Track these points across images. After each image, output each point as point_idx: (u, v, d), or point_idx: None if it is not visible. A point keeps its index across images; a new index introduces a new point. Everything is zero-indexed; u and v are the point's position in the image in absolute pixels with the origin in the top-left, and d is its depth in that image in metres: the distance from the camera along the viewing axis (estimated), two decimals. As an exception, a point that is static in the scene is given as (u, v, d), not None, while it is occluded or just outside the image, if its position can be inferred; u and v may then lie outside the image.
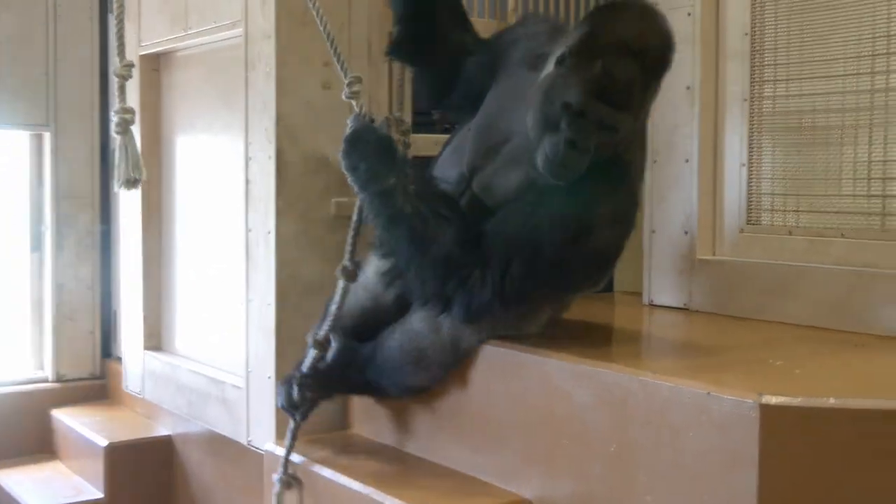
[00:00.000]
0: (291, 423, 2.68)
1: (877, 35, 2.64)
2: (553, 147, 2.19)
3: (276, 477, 2.67)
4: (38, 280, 4.23)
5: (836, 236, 2.73)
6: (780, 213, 2.89)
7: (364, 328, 2.66)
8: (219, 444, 3.31)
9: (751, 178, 2.95)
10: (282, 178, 2.85)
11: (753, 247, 2.92)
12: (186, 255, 3.59)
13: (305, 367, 2.63)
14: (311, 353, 2.62)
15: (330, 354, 2.64)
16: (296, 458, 2.70)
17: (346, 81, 2.59)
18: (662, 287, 3.07)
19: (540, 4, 3.50)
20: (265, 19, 2.86)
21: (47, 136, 4.17)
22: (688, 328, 2.83)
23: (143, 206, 3.69)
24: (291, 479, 2.68)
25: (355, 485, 2.49)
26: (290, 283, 2.88)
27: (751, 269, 2.88)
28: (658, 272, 3.13)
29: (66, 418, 3.96)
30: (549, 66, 2.28)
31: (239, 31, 3.00)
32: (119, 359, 4.05)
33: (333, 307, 2.61)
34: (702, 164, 3.01)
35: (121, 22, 2.63)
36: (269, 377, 2.90)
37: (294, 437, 2.68)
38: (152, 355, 3.68)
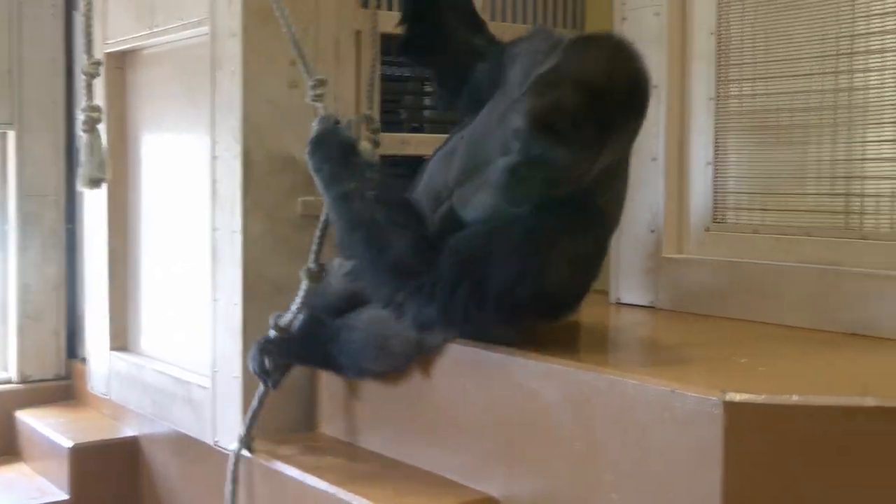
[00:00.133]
0: (261, 388, 2.73)
1: (841, 35, 2.66)
2: (500, 171, 2.17)
3: (235, 442, 2.74)
4: (2, 280, 4.20)
5: (801, 235, 2.75)
6: (745, 212, 2.91)
7: (347, 307, 2.65)
8: (185, 445, 3.29)
9: (717, 177, 2.96)
10: (248, 178, 2.84)
11: (719, 245, 2.93)
12: (153, 254, 3.57)
13: (270, 335, 2.68)
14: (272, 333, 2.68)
15: (296, 324, 2.67)
16: (261, 458, 2.70)
17: (310, 84, 2.59)
18: (629, 285, 3.08)
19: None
20: (231, 18, 2.85)
21: (11, 135, 4.14)
22: (654, 326, 2.85)
23: (109, 206, 3.66)
24: (250, 443, 2.74)
25: (322, 484, 2.49)
26: (257, 282, 2.87)
27: (717, 268, 2.89)
28: (625, 271, 3.14)
29: (31, 419, 3.92)
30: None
31: (205, 29, 2.99)
32: (84, 359, 4.01)
33: (294, 308, 2.65)
34: (668, 163, 3.02)
35: (89, 19, 2.62)
36: (236, 377, 2.89)
37: (261, 404, 2.73)
38: (118, 356, 3.65)
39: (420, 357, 2.48)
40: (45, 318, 4.19)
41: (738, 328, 2.72)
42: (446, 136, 3.22)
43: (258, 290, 2.86)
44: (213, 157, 2.96)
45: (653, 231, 3.03)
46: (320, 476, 2.52)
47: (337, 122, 2.58)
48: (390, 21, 3.03)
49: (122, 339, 3.71)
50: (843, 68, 2.66)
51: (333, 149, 2.51)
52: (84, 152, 2.63)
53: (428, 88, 3.49)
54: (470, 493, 2.37)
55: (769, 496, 1.90)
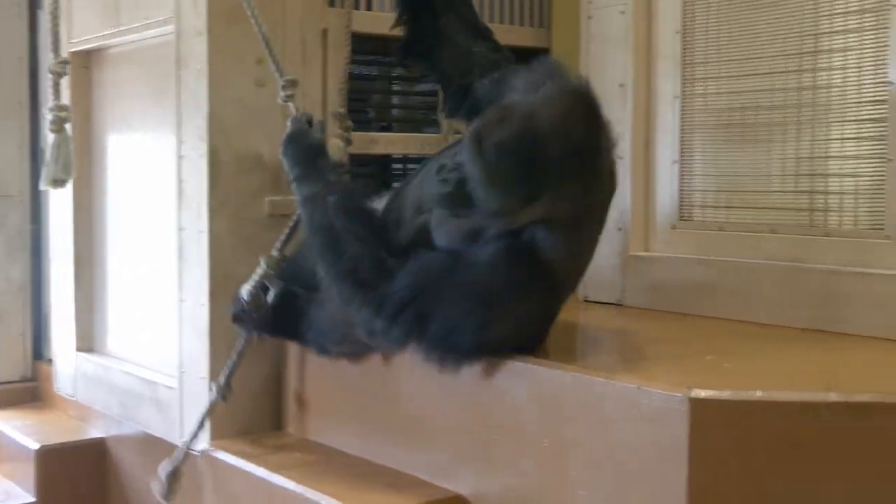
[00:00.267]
0: (239, 344, 2.76)
1: (804, 34, 2.68)
2: (438, 184, 2.16)
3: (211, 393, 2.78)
4: (-33, 282, 4.17)
5: (766, 232, 2.77)
6: (711, 210, 2.93)
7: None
8: (152, 446, 3.27)
9: (683, 175, 2.98)
10: (214, 177, 2.83)
11: (686, 243, 2.95)
12: (119, 254, 3.55)
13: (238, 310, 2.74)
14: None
15: (270, 296, 2.69)
16: (229, 458, 2.69)
17: (281, 84, 2.59)
18: (597, 283, 3.09)
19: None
20: (197, 16, 2.84)
21: (-25, 135, 4.11)
22: (621, 324, 2.86)
23: (74, 206, 3.63)
24: (226, 392, 2.77)
25: (289, 484, 2.48)
26: (224, 282, 2.85)
27: (683, 265, 2.91)
28: (592, 268, 3.12)
29: (-3, 421, 3.90)
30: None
31: (170, 28, 2.97)
32: (50, 361, 3.98)
33: (248, 287, 2.70)
34: (634, 161, 3.04)
35: (55, 18, 2.61)
36: (203, 377, 2.88)
37: (241, 356, 2.77)
38: (84, 357, 3.63)
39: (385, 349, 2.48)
40: (10, 320, 4.16)
41: (705, 325, 2.74)
42: (417, 134, 3.25)
43: (225, 290, 2.85)
44: (180, 157, 2.94)
45: (620, 229, 3.04)
46: (288, 476, 2.51)
47: (309, 122, 2.58)
48: (360, 20, 3.04)
49: (88, 340, 3.68)
50: (806, 67, 2.68)
51: (301, 151, 2.53)
52: (51, 152, 2.62)
53: (396, 87, 3.50)
54: (438, 491, 2.37)
55: (734, 491, 1.91)
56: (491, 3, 3.49)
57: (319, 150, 2.55)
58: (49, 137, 2.64)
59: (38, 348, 4.22)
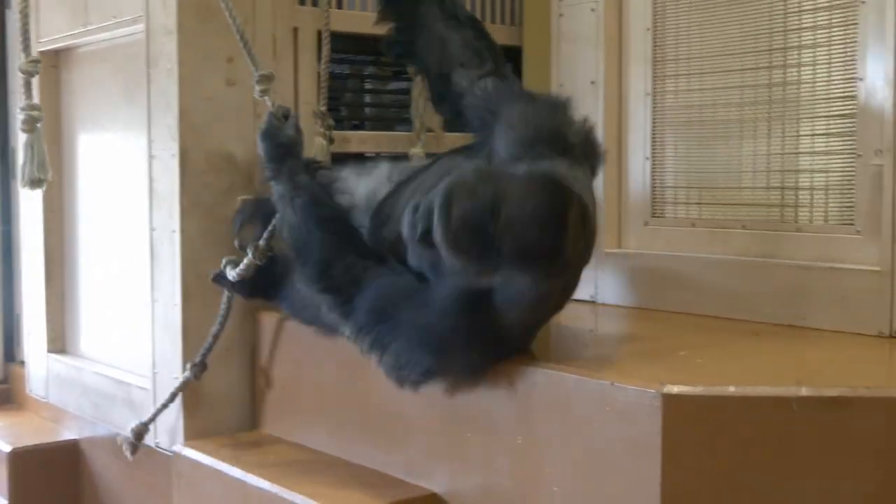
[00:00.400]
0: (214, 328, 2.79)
1: (774, 30, 2.70)
2: (408, 224, 2.12)
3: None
4: (-64, 283, 4.13)
5: (737, 228, 2.78)
6: (683, 206, 2.94)
7: None
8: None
9: (654, 172, 2.99)
10: (186, 176, 2.82)
11: (658, 239, 2.96)
12: (90, 255, 3.53)
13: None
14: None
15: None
16: (202, 458, 2.68)
17: (255, 79, 2.59)
18: (570, 280, 3.09)
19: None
20: (166, 15, 2.82)
21: (-55, 136, 4.07)
22: (594, 320, 2.86)
23: (45, 206, 3.61)
24: (199, 371, 2.82)
25: (264, 483, 2.48)
26: (197, 282, 2.84)
27: (656, 262, 2.92)
28: (565, 266, 3.15)
29: (-32, 424, 3.87)
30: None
31: (140, 26, 2.96)
32: (23, 363, 3.96)
33: (237, 271, 2.73)
34: (606, 158, 3.03)
35: (25, 17, 2.59)
36: (176, 378, 2.86)
37: (216, 337, 2.81)
38: (56, 358, 3.61)
39: None
40: (-19, 322, 4.13)
41: (678, 321, 2.75)
42: (389, 133, 3.23)
43: (198, 290, 2.84)
44: (151, 157, 2.93)
45: (592, 226, 3.04)
46: (262, 475, 2.51)
47: (285, 117, 2.58)
48: (332, 18, 3.03)
49: (60, 341, 3.66)
50: (776, 63, 2.70)
51: (272, 148, 2.54)
52: (25, 152, 2.61)
53: (368, 86, 3.49)
54: (412, 489, 2.37)
55: (708, 486, 1.92)
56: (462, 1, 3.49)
57: (290, 148, 2.55)
58: (21, 137, 2.62)
59: (10, 350, 4.18)
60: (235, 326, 2.86)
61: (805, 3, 2.63)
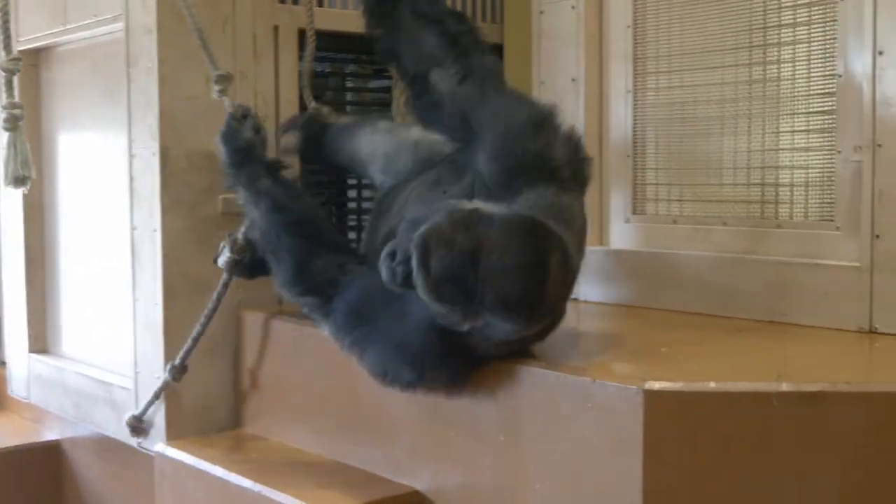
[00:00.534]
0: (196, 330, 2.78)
1: (753, 27, 2.71)
2: (384, 257, 2.09)
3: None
4: (-84, 284, 4.09)
5: (717, 224, 2.79)
6: (664, 203, 2.94)
7: None
8: (108, 447, 3.25)
9: (636, 169, 2.99)
10: (166, 175, 2.81)
11: (639, 236, 2.97)
12: (72, 255, 3.51)
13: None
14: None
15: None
16: (185, 457, 2.68)
17: (213, 79, 2.57)
18: (552, 278, 3.09)
19: None
20: (146, 13, 2.81)
21: (-77, 135, 4.04)
22: (576, 318, 2.86)
23: (25, 206, 3.59)
24: (179, 374, 2.79)
25: (247, 482, 2.47)
26: (178, 281, 2.84)
27: (637, 259, 2.93)
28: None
29: (-51, 425, 3.85)
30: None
31: (120, 25, 2.94)
32: (3, 363, 3.93)
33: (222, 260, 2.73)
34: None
35: (6, 14, 2.57)
36: (158, 377, 2.85)
37: (196, 340, 2.78)
38: (37, 358, 3.59)
39: None
40: (-39, 323, 4.10)
41: (659, 318, 2.76)
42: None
43: (179, 289, 2.84)
44: (131, 155, 2.92)
45: (574, 223, 3.04)
46: (244, 475, 2.50)
47: (244, 117, 2.56)
48: (316, 16, 3.03)
49: (41, 341, 3.65)
50: (756, 60, 2.71)
51: (231, 152, 2.55)
52: (7, 150, 2.59)
53: (349, 84, 3.49)
54: (395, 487, 2.37)
55: (689, 481, 1.93)
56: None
57: (249, 151, 2.54)
58: (3, 136, 2.61)
59: (-9, 351, 4.17)
60: (218, 325, 2.85)
61: (785, 0, 2.64)
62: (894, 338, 2.38)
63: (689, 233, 2.84)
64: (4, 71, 2.58)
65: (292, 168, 2.71)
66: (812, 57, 2.60)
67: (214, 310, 2.79)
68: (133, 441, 2.99)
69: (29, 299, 3.63)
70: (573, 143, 2.30)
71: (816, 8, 2.58)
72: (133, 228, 2.93)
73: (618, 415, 1.94)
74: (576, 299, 3.05)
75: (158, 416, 2.88)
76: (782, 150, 2.67)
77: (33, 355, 3.62)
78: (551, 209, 2.14)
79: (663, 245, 2.90)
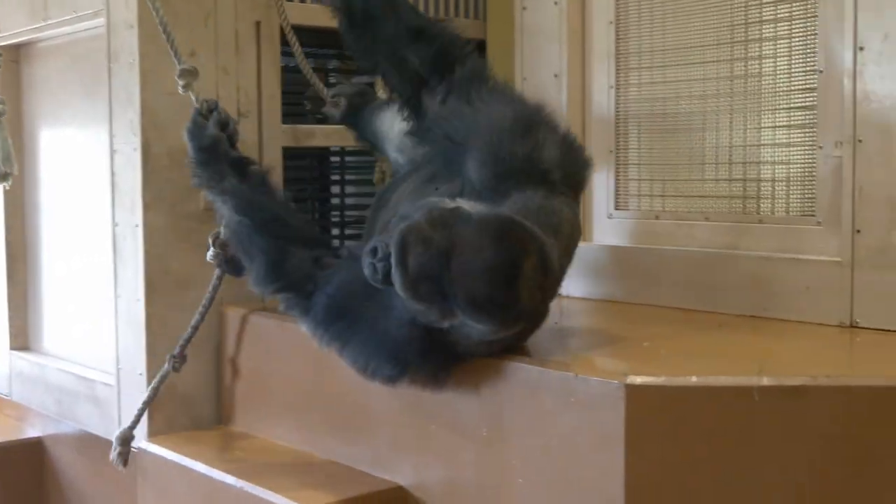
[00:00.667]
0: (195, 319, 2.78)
1: (735, 23, 2.71)
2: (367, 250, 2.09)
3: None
4: None
5: (699, 220, 2.80)
6: (647, 198, 2.95)
7: None
8: (91, 444, 3.24)
9: (618, 164, 3.00)
10: (148, 171, 2.80)
11: (622, 231, 2.98)
12: (53, 251, 3.50)
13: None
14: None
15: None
16: (167, 453, 2.67)
17: (176, 73, 2.56)
18: (534, 273, 3.10)
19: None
20: (127, 9, 2.80)
21: None
22: (558, 313, 2.87)
23: (6, 202, 3.58)
24: (179, 363, 2.78)
25: (230, 478, 2.47)
26: (160, 277, 2.83)
27: (620, 254, 2.94)
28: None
29: (-70, 423, 3.83)
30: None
31: (101, 20, 2.94)
32: (-15, 360, 3.93)
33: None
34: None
35: (-13, 11, 2.57)
36: (140, 374, 2.85)
37: (195, 329, 2.78)
38: (19, 355, 3.58)
39: None
40: (-58, 319, 4.08)
41: (641, 313, 2.76)
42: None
43: (161, 285, 2.83)
44: (112, 151, 2.91)
45: (556, 218, 3.05)
46: (227, 471, 2.50)
47: (211, 111, 2.54)
48: (294, 12, 3.02)
49: (22, 337, 3.64)
50: (738, 56, 2.71)
51: (196, 149, 2.52)
52: (-9, 146, 2.59)
53: (332, 80, 3.48)
54: (378, 482, 2.37)
55: (671, 475, 1.93)
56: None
57: (213, 149, 2.50)
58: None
59: (-28, 348, 4.14)
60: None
61: (766, -4, 2.66)
62: (875, 332, 2.39)
63: (672, 228, 2.85)
64: (-14, 67, 2.58)
65: (258, 164, 2.68)
66: (793, 53, 2.61)
67: (211, 300, 2.79)
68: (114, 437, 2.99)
69: (10, 296, 3.62)
70: (566, 146, 2.28)
71: (797, 4, 2.59)
72: (115, 225, 2.92)
73: (600, 409, 1.94)
74: (558, 295, 3.05)
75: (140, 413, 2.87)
76: (764, 145, 2.68)
77: (15, 352, 3.61)
78: (539, 213, 2.12)
79: (646, 240, 2.91)
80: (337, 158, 3.54)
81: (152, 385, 2.79)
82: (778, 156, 2.65)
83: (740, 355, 2.28)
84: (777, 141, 2.65)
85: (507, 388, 2.11)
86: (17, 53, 3.54)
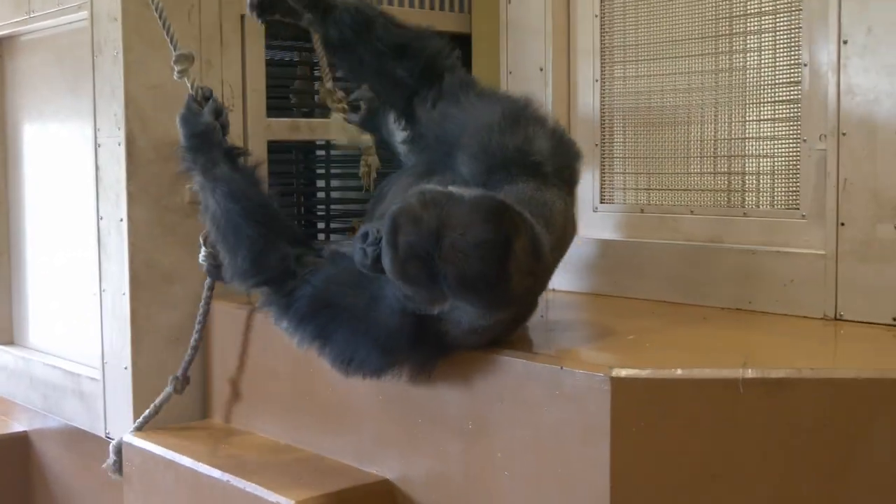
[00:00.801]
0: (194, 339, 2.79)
1: (720, 16, 2.72)
2: (358, 236, 2.10)
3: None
4: None
5: (684, 213, 2.80)
6: (632, 192, 2.95)
7: None
8: (77, 438, 3.24)
9: (603, 158, 3.00)
10: (133, 165, 2.79)
11: (607, 225, 2.98)
12: (38, 246, 3.49)
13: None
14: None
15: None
16: (154, 448, 2.67)
17: (172, 59, 2.55)
18: (520, 267, 3.10)
19: None
20: (111, 1, 2.79)
21: None
22: (544, 306, 2.87)
23: (-10, 197, 3.58)
24: (182, 385, 2.78)
25: (215, 472, 2.47)
26: (145, 271, 2.82)
27: (605, 247, 2.94)
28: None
29: (-86, 418, 3.81)
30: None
31: (84, 13, 2.93)
32: (-31, 355, 3.91)
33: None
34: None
35: (-32, 4, 2.56)
36: (126, 368, 2.85)
37: (196, 350, 2.80)
38: (4, 350, 3.57)
39: None
40: (-74, 314, 4.07)
41: (626, 306, 2.77)
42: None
43: (146, 279, 2.82)
44: (97, 145, 2.90)
45: (542, 212, 3.05)
46: (214, 464, 2.50)
47: (206, 99, 2.53)
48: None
49: (7, 332, 3.63)
50: (722, 49, 2.72)
51: (189, 135, 2.49)
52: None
53: (317, 73, 3.47)
54: (364, 476, 2.37)
55: (656, 467, 1.94)
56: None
57: (207, 135, 2.48)
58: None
59: (-43, 342, 4.13)
60: (186, 316, 2.84)
61: (750, -10, 2.66)
62: (859, 325, 2.40)
63: (657, 221, 2.86)
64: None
65: (251, 155, 2.68)
66: (777, 46, 2.61)
67: (205, 315, 2.79)
68: (100, 432, 2.98)
69: (-5, 291, 3.61)
70: (556, 138, 2.29)
71: (782, -3, 2.60)
72: (99, 218, 2.91)
73: (585, 402, 1.95)
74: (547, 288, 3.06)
75: (126, 407, 2.86)
76: (748, 138, 2.69)
77: (0, 347, 3.59)
78: (530, 204, 2.12)
79: (631, 234, 2.91)
80: (322, 152, 3.53)
81: (154, 404, 2.79)
82: (762, 149, 2.66)
83: (725, 348, 2.29)
84: (761, 134, 2.66)
85: (493, 381, 2.11)
86: (1, 47, 3.53)
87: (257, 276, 2.34)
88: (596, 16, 2.98)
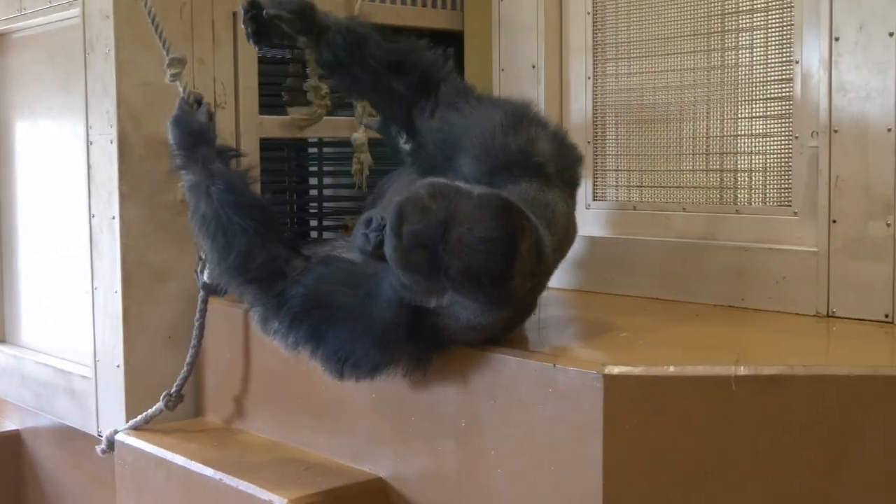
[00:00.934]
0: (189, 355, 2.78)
1: (711, 13, 2.72)
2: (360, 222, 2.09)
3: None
4: None
5: (677, 210, 2.81)
6: (624, 189, 2.96)
7: None
8: (69, 437, 3.24)
9: (596, 155, 3.00)
10: (125, 162, 2.79)
11: (600, 222, 2.98)
12: (29, 244, 3.48)
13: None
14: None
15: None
16: (146, 446, 2.67)
17: (165, 63, 2.55)
18: (513, 264, 3.10)
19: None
20: (103, -2, 2.79)
21: None
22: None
23: (-19, 195, 3.57)
24: (176, 402, 2.77)
25: (208, 471, 2.47)
26: (137, 269, 2.82)
27: (598, 245, 2.94)
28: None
29: None
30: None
31: (76, 11, 2.92)
32: (-39, 353, 3.90)
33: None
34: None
35: (-41, 1, 2.56)
36: (118, 366, 2.84)
37: (191, 367, 2.78)
38: (-5, 348, 3.57)
39: None
40: (-83, 312, 4.05)
41: (620, 303, 2.77)
42: (331, 117, 3.20)
43: (139, 278, 2.82)
44: (89, 143, 2.89)
45: (535, 209, 3.05)
46: (206, 463, 2.50)
47: (197, 103, 2.54)
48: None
49: (-1, 331, 3.63)
50: (715, 46, 2.72)
51: (183, 135, 2.50)
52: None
53: (308, 70, 3.47)
54: (357, 474, 2.38)
55: (648, 464, 1.94)
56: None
57: (202, 135, 2.50)
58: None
59: (-52, 341, 4.12)
60: (178, 313, 2.84)
61: (742, -13, 2.66)
62: (851, 322, 2.41)
63: (649, 219, 2.86)
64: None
65: (245, 156, 2.68)
66: (769, 43, 2.62)
67: (201, 334, 2.79)
68: (93, 430, 2.98)
69: (-14, 289, 3.60)
70: (558, 140, 2.30)
71: (774, -6, 2.60)
72: (91, 216, 2.91)
73: (578, 399, 1.95)
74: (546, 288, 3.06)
75: (118, 405, 2.86)
76: (740, 135, 2.69)
77: (-9, 345, 3.60)
78: (533, 205, 2.13)
79: (624, 231, 2.91)
80: (315, 150, 3.52)
81: (143, 416, 2.79)
82: (754, 146, 2.66)
83: (717, 345, 2.29)
84: (753, 131, 2.66)
85: (486, 378, 2.11)
86: (-9, 44, 3.53)
87: (246, 275, 2.33)
88: (588, 13, 2.98)
